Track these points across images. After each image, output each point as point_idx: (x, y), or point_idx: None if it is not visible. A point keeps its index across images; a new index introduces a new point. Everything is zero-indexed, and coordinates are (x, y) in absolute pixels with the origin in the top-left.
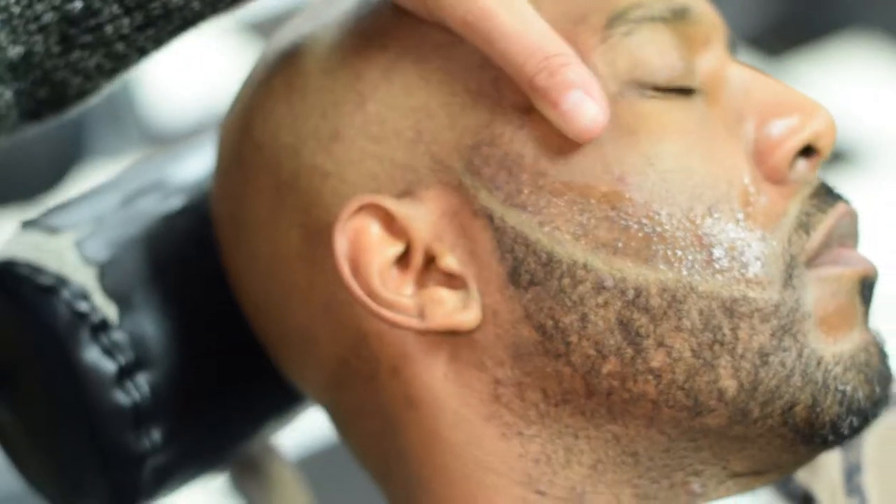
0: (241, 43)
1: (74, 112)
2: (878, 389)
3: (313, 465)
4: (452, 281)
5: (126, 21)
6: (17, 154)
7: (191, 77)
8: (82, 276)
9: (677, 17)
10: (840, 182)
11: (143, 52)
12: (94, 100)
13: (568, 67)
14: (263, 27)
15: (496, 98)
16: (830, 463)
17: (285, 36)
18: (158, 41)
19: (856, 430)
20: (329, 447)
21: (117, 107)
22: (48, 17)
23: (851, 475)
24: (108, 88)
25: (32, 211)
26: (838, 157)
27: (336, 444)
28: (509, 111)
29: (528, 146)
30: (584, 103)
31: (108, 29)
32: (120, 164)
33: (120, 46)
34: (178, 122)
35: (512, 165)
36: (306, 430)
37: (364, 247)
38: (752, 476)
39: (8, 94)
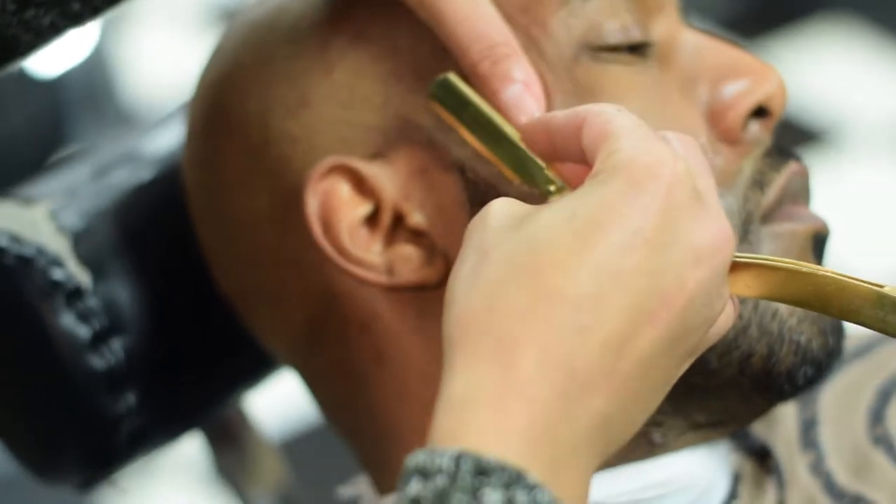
0: (219, 31)
1: (52, 101)
2: (831, 340)
3: (294, 447)
4: (420, 239)
5: None
6: None
7: (169, 65)
8: (57, 245)
9: None
10: (816, 163)
11: (96, 11)
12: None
13: (510, 59)
14: None
15: None
16: (787, 417)
17: (253, 9)
18: (113, 1)
19: (810, 381)
20: (310, 428)
21: (97, 94)
22: None
23: (808, 429)
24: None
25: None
26: (814, 138)
27: (316, 427)
28: (470, 74)
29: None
30: (523, 98)
31: None
32: None
33: (75, 6)
34: (157, 108)
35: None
36: (287, 412)
37: (334, 206)
38: (710, 427)
39: None
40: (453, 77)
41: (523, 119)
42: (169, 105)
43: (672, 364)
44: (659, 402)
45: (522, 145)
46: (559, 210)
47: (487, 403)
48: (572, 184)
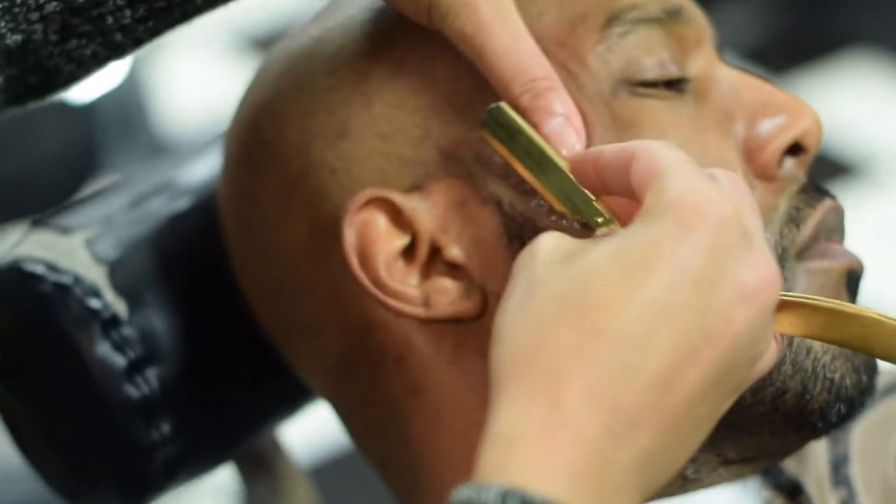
0: (248, 60)
1: (86, 126)
2: (864, 378)
3: (324, 473)
4: (456, 271)
5: (128, 12)
6: (31, 169)
7: (200, 92)
8: (93, 274)
9: (671, 17)
10: (843, 196)
11: (138, 42)
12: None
13: (551, 92)
14: (270, 44)
15: None
16: (818, 454)
17: (291, 40)
18: (156, 33)
19: (843, 418)
20: (340, 455)
21: (129, 120)
22: (51, 6)
23: (839, 466)
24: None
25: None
26: (842, 170)
27: (346, 453)
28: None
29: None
30: (565, 131)
31: (110, 20)
32: None
33: (118, 36)
34: (188, 137)
35: None
36: (317, 438)
37: (372, 239)
38: (742, 463)
39: (0, 80)
40: (505, 106)
41: (564, 152)
42: (200, 132)
43: (717, 401)
44: (703, 439)
45: (571, 177)
46: (608, 248)
47: (534, 439)
48: (620, 217)
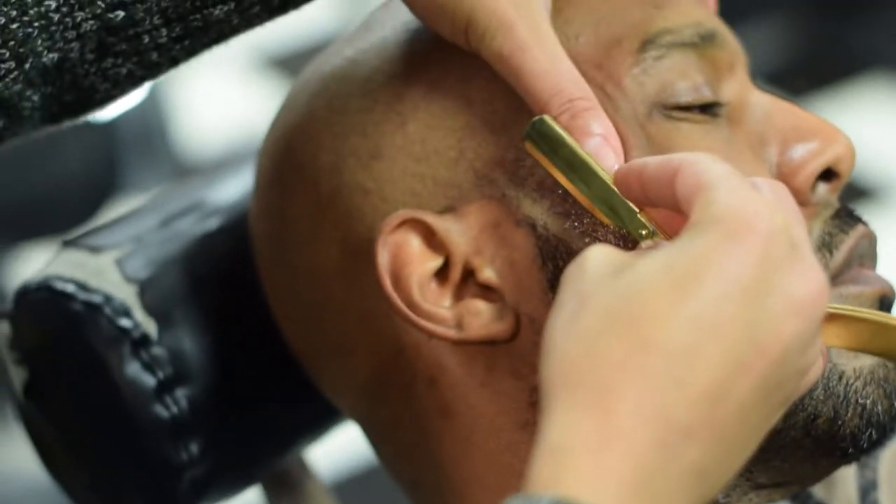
0: (266, 79)
1: (106, 146)
2: None
3: (347, 489)
4: (490, 294)
5: (164, 31)
6: (52, 187)
7: (219, 113)
8: (124, 294)
9: (705, 42)
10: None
11: (174, 61)
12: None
13: (589, 112)
14: (288, 63)
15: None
16: (847, 480)
17: (324, 62)
18: (191, 52)
19: (874, 444)
20: (363, 471)
21: (150, 141)
22: (88, 24)
23: (867, 492)
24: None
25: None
26: (859, 194)
27: (369, 469)
28: None
29: None
30: (603, 150)
31: (146, 38)
32: None
33: (154, 55)
34: (207, 157)
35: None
36: (340, 453)
37: (405, 260)
38: (773, 488)
39: (35, 98)
40: (548, 119)
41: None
42: (220, 150)
43: (766, 413)
44: (752, 451)
45: (615, 189)
46: (657, 260)
47: (585, 451)
48: (664, 229)
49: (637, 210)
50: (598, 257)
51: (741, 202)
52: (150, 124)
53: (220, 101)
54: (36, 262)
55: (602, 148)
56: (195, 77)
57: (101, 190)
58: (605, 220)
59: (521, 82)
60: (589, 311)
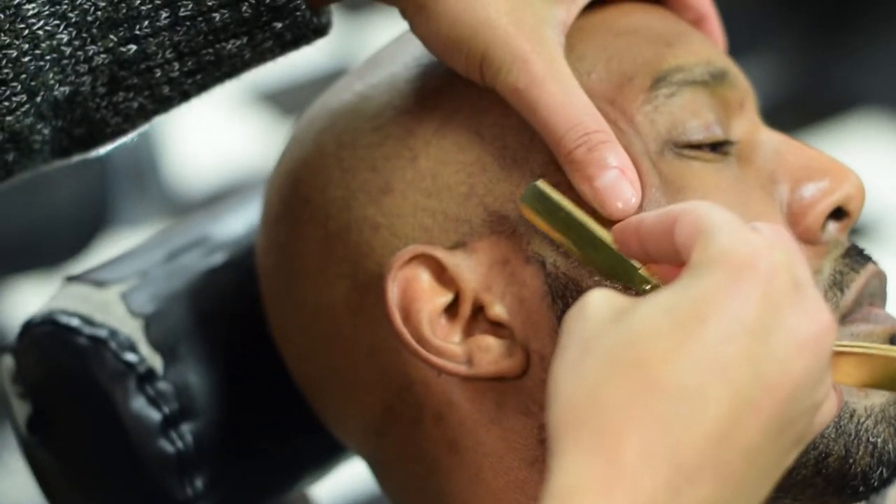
0: (257, 113)
1: (98, 180)
2: None
3: None
4: (500, 330)
5: (176, 65)
6: (42, 221)
7: (210, 147)
8: (129, 328)
9: (716, 81)
10: None
11: (186, 95)
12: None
13: (605, 146)
14: (279, 97)
15: (550, 150)
16: None
17: (332, 96)
18: (203, 87)
19: (885, 482)
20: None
21: (141, 176)
22: (100, 59)
23: None
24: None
25: (57, 278)
26: (854, 231)
27: (371, 498)
28: (565, 161)
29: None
30: (620, 184)
31: (158, 72)
32: (143, 232)
33: (165, 89)
34: (198, 191)
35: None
36: (344, 487)
37: (415, 296)
38: None
39: (46, 131)
40: (543, 184)
41: (620, 205)
42: (211, 185)
43: (779, 452)
44: (767, 491)
45: (615, 248)
46: (658, 303)
47: (592, 494)
48: (668, 282)
49: (638, 266)
50: (598, 302)
51: (740, 242)
52: (141, 158)
53: (212, 136)
54: (25, 296)
55: (619, 181)
56: (187, 111)
57: (93, 224)
58: (610, 280)
59: (537, 116)
60: (592, 355)
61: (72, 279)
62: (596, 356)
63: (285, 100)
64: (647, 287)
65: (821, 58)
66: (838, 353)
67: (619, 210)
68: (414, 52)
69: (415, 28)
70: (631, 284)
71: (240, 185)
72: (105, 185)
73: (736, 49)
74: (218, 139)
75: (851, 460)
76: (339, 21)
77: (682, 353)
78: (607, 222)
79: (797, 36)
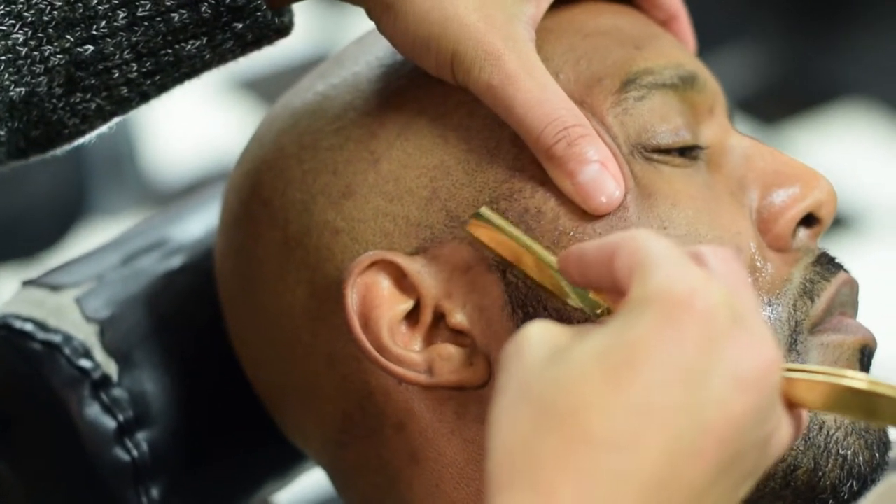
0: (237, 101)
1: (74, 169)
2: (877, 455)
3: None
4: (460, 338)
5: (135, 66)
6: (19, 211)
7: (189, 136)
8: (83, 333)
9: (686, 84)
10: (836, 248)
11: (145, 97)
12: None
13: (586, 139)
14: (259, 85)
15: (516, 154)
16: None
17: (294, 96)
18: (163, 87)
19: (855, 495)
20: None
21: (118, 165)
22: (56, 59)
23: None
24: (99, 132)
25: (34, 268)
26: (834, 222)
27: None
28: (529, 167)
29: (549, 203)
30: (602, 178)
31: (115, 73)
32: (121, 221)
33: (123, 90)
34: (177, 180)
35: (530, 220)
36: (304, 496)
37: (374, 302)
38: None
39: (2, 132)
40: (487, 211)
41: (603, 199)
42: (188, 173)
43: (729, 489)
44: None
45: (559, 276)
46: (593, 347)
47: None
48: (617, 306)
49: (587, 292)
50: (536, 339)
51: (676, 279)
52: (119, 147)
53: (191, 124)
54: (1, 286)
55: (601, 175)
56: (163, 99)
57: (69, 213)
58: (563, 299)
59: (513, 113)
60: (526, 402)
61: (28, 283)
62: (530, 403)
63: (265, 88)
64: (599, 311)
65: (804, 47)
66: (790, 379)
67: (604, 205)
68: (377, 52)
69: (382, 28)
70: (582, 307)
71: (219, 175)
72: (82, 174)
73: (719, 39)
74: (197, 127)
75: (821, 473)
76: (319, 8)
77: (614, 403)
78: (555, 247)
79: (781, 26)
